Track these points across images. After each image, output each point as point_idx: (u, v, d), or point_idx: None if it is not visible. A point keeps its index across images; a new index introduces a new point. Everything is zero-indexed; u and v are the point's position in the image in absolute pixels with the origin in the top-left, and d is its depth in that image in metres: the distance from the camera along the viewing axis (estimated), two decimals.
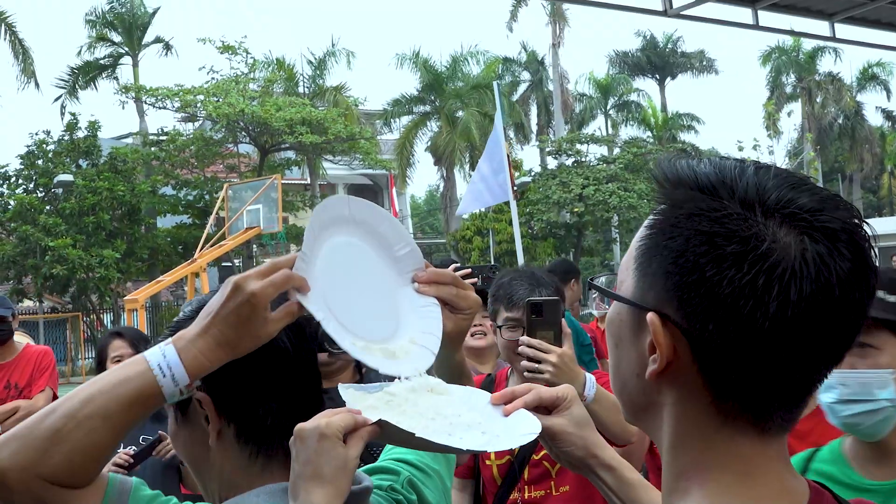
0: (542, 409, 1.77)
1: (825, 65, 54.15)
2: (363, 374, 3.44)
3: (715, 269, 1.14)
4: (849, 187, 60.99)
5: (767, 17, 11.48)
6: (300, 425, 1.63)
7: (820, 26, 12.58)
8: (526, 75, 55.57)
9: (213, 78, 36.81)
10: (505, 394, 1.78)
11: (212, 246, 28.85)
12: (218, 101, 34.80)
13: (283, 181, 31.48)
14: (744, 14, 12.26)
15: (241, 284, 1.66)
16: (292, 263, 1.71)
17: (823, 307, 1.14)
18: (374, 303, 1.89)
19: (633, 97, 57.92)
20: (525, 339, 3.37)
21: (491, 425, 1.75)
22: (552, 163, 43.31)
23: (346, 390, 1.77)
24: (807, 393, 1.22)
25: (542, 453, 3.77)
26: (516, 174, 39.26)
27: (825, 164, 56.76)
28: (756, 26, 11.40)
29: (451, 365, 2.03)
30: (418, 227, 57.01)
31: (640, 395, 1.29)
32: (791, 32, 20.30)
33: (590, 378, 3.40)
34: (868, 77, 55.60)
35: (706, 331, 1.16)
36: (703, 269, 1.15)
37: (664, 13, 10.82)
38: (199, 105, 35.73)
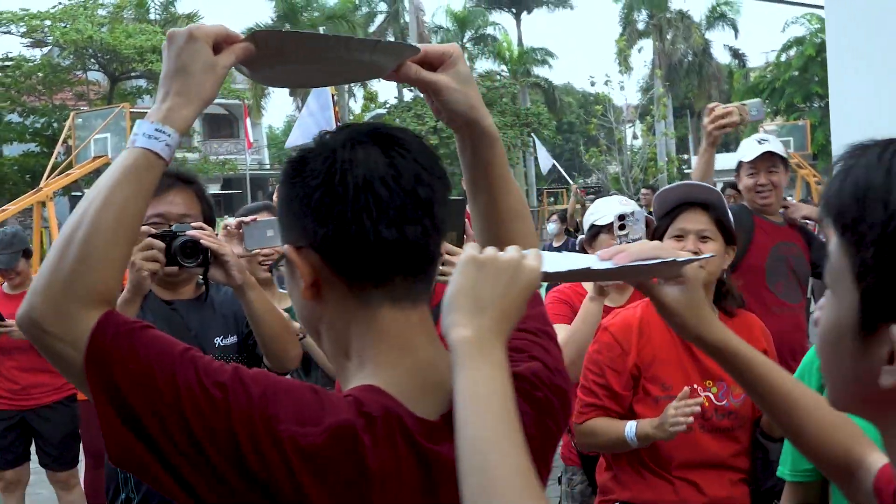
0: (427, 66, 1.75)
1: (675, 3, 55.17)
2: (207, 287, 3.58)
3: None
4: (697, 123, 62.44)
5: None
6: (172, 29, 1.64)
7: None
8: (383, 6, 55.31)
9: (60, 3, 35.78)
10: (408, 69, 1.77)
11: (59, 175, 28.27)
12: (66, 26, 33.90)
13: (133, 109, 30.88)
14: None
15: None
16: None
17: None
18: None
19: (490, 31, 58.13)
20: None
21: (378, 60, 1.73)
22: (408, 95, 43.40)
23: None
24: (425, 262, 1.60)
25: None
26: (371, 106, 39.40)
27: (675, 100, 58.01)
28: None
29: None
30: (275, 157, 56.49)
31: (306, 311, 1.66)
32: None
33: None
34: (717, 16, 56.80)
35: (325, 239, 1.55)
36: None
37: None
38: (46, 31, 34.73)
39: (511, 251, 1.51)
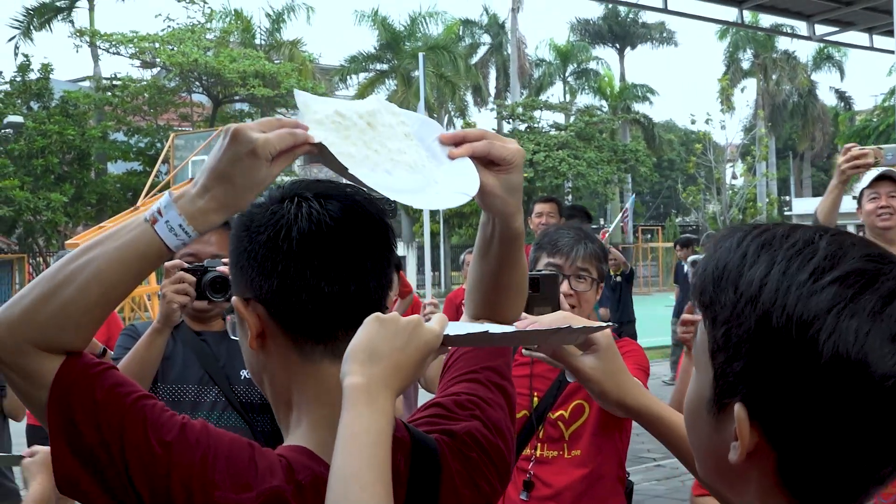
0: (487, 162, 1.74)
1: (782, 43, 54.55)
2: None
3: None
4: (800, 165, 61.73)
5: (676, 2, 11.90)
6: (238, 125, 1.58)
7: (729, 12, 13.08)
8: (486, 38, 55.63)
9: (168, 26, 36.71)
10: (457, 135, 1.76)
11: (157, 194, 28.91)
12: (173, 49, 34.73)
13: None
14: (730, 12, 12.83)
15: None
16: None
17: None
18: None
19: (593, 65, 58.13)
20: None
21: (432, 171, 1.71)
22: (506, 127, 43.54)
23: (301, 95, 1.70)
24: None
25: (557, 413, 3.81)
26: None
27: (778, 141, 57.37)
28: (665, 10, 11.83)
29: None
30: None
31: (252, 360, 1.73)
32: (774, 31, 20.84)
33: None
34: (823, 57, 56.13)
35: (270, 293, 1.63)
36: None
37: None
38: (153, 53, 35.62)
39: (415, 316, 1.55)
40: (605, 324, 1.78)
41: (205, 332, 3.62)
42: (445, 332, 1.56)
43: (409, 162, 1.70)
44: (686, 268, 16.80)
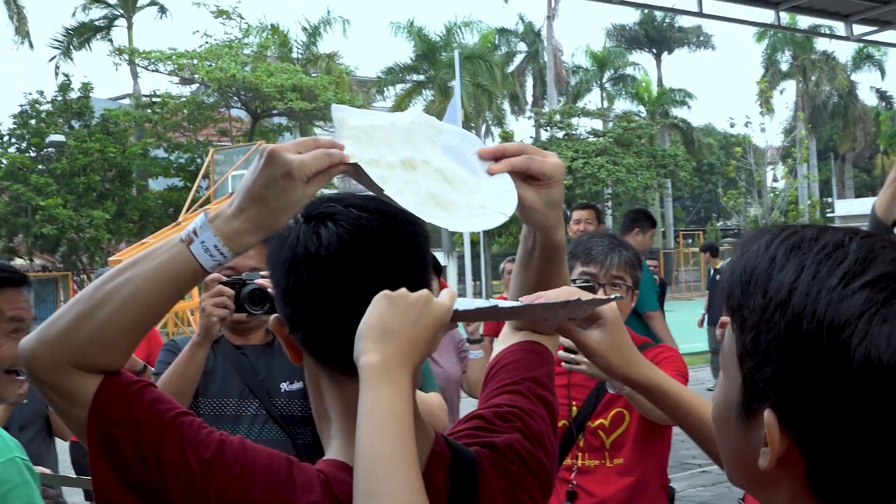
0: (527, 176, 1.73)
1: (821, 44, 54.16)
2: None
3: None
4: (841, 166, 61.17)
5: (712, 5, 11.84)
6: (273, 146, 1.57)
7: (766, 14, 13.00)
8: (522, 46, 55.60)
9: (206, 42, 37.01)
10: (496, 150, 1.75)
11: (196, 209, 29.12)
12: (211, 65, 35.00)
13: (270, 146, 31.65)
14: (766, 14, 12.77)
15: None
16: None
17: None
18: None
19: (630, 71, 57.96)
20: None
21: (468, 190, 1.71)
22: (544, 135, 43.50)
23: (338, 110, 1.68)
24: None
25: (597, 422, 3.80)
26: None
27: (819, 142, 56.93)
28: (700, 14, 11.77)
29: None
30: None
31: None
32: (811, 32, 20.79)
33: None
34: (863, 57, 55.64)
35: (295, 319, 1.66)
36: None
37: (609, 0, 11.14)
38: (192, 69, 35.90)
39: (424, 291, 1.55)
40: (612, 297, 1.79)
41: (244, 346, 3.64)
42: (455, 307, 1.55)
43: (445, 180, 1.69)
44: (711, 272, 16.71)
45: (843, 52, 55.03)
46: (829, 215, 52.48)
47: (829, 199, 60.50)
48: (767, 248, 1.22)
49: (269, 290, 3.35)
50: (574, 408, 3.81)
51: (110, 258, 26.12)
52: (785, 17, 16.53)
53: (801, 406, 1.15)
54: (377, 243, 1.62)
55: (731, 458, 1.29)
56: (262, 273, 3.41)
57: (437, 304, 1.53)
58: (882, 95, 59.55)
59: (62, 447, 5.56)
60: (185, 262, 1.57)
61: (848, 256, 1.17)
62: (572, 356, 3.32)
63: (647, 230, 8.55)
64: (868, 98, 60.08)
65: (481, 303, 1.65)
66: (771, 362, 1.17)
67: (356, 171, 1.61)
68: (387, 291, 1.52)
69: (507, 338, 2.01)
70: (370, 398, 1.44)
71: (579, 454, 3.81)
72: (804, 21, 19.52)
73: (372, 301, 1.52)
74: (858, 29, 13.49)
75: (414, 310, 1.50)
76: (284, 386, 3.54)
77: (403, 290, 1.52)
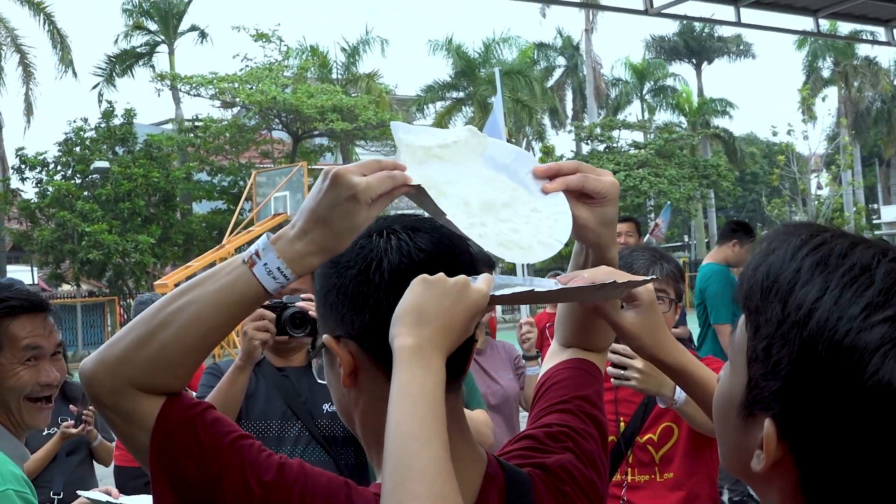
0: (582, 195, 1.74)
1: (863, 49, 53.71)
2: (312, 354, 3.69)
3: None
4: (886, 172, 60.57)
5: (750, 14, 11.75)
6: (338, 168, 1.56)
7: (805, 21, 12.90)
8: (561, 60, 55.60)
9: (246, 65, 37.32)
10: (550, 168, 1.75)
11: (241, 231, 29.32)
12: (251, 88, 35.28)
13: (317, 167, 31.85)
14: (805, 22, 12.68)
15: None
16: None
17: None
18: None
19: (670, 82, 57.76)
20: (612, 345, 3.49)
21: (524, 216, 1.70)
22: (585, 148, 43.44)
23: (398, 129, 1.70)
24: None
25: (646, 437, 3.81)
26: (548, 160, 39.52)
27: (863, 149, 56.40)
28: (738, 23, 11.70)
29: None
30: None
31: (343, 399, 1.71)
32: (851, 38, 20.67)
33: None
34: None
35: (363, 328, 1.63)
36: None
37: (645, 12, 11.11)
38: (233, 93, 36.21)
39: (461, 276, 1.56)
40: (648, 278, 1.76)
41: (286, 368, 3.66)
42: (492, 292, 1.56)
43: (503, 202, 1.70)
44: None
45: (886, 56, 54.55)
46: (875, 221, 52.03)
47: (875, 206, 59.95)
48: (794, 257, 1.21)
49: (311, 312, 3.37)
50: (622, 423, 3.79)
51: (156, 282, 26.34)
52: (825, 24, 16.43)
53: (803, 423, 1.17)
54: (456, 254, 1.66)
55: (726, 449, 1.31)
56: (302, 296, 3.42)
57: (473, 290, 1.53)
58: None
59: (103, 472, 5.59)
60: (248, 284, 1.56)
61: (874, 284, 1.17)
62: (621, 371, 3.32)
63: (745, 243, 8.59)
64: None
65: (518, 287, 1.63)
66: (780, 377, 1.18)
67: (418, 193, 1.62)
68: (425, 276, 1.53)
69: (555, 354, 2.01)
70: (403, 377, 1.45)
71: (629, 470, 3.80)
72: (844, 27, 19.38)
73: (410, 284, 1.52)
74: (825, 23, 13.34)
75: (451, 294, 1.51)
76: (327, 407, 3.55)
77: (441, 274, 1.53)
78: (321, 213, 1.54)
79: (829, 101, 56.11)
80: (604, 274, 1.68)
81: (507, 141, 11.20)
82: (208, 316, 1.55)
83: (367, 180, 1.54)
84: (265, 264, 1.56)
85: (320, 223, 1.54)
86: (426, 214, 1.69)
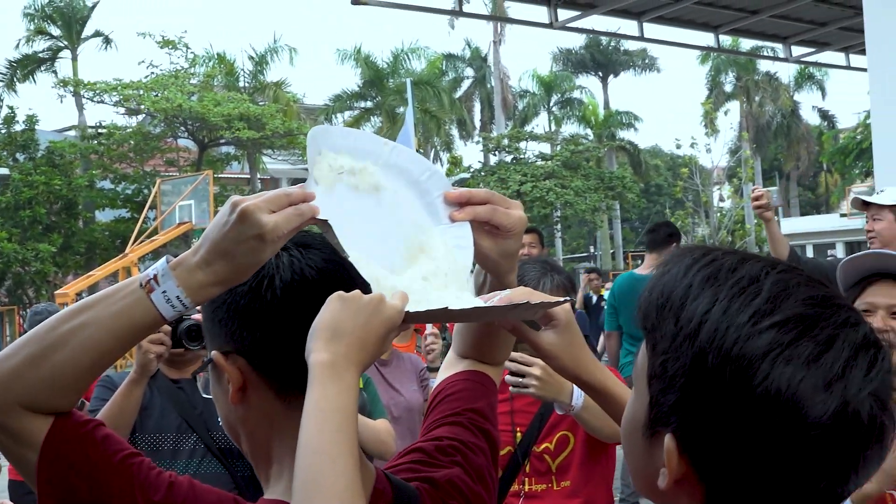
0: (487, 225, 1.73)
1: (764, 65, 54.82)
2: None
3: None
4: (786, 185, 61.87)
5: (653, 29, 11.98)
6: (248, 203, 1.52)
7: (706, 37, 13.19)
8: (469, 72, 55.80)
9: (152, 73, 36.87)
10: (461, 195, 1.74)
11: (144, 240, 28.97)
12: (157, 95, 34.86)
13: (224, 175, 31.61)
14: (707, 37, 12.93)
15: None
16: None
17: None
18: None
19: (577, 94, 58.31)
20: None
21: (432, 260, 1.69)
22: (493, 159, 43.63)
23: (314, 139, 1.66)
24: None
25: (542, 446, 3.81)
26: (455, 170, 39.67)
27: (764, 162, 57.52)
28: (642, 38, 11.92)
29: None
30: None
31: (231, 415, 1.70)
32: (751, 55, 21.10)
33: (576, 388, 3.33)
34: (804, 77, 56.36)
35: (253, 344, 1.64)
36: None
37: (550, 25, 11.23)
38: (137, 100, 35.74)
39: (377, 293, 1.56)
40: (564, 298, 1.78)
41: (181, 380, 3.63)
42: (407, 309, 1.56)
43: (405, 239, 1.69)
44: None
45: (786, 72, 55.74)
46: None
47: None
48: (685, 274, 1.23)
49: None
50: (518, 433, 3.81)
51: (57, 291, 25.90)
52: (727, 40, 16.76)
53: (700, 434, 1.18)
54: (348, 273, 1.63)
55: (635, 472, 1.33)
56: (198, 308, 3.39)
57: (389, 306, 1.53)
58: (824, 115, 60.33)
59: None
60: (146, 310, 1.53)
61: (761, 293, 1.19)
62: (519, 379, 3.32)
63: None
64: (811, 117, 60.93)
65: (432, 304, 1.63)
66: (676, 390, 1.20)
67: (324, 227, 1.61)
68: (340, 293, 1.52)
69: (451, 365, 2.00)
70: (316, 393, 1.44)
71: (526, 479, 3.81)
72: (746, 43, 19.81)
73: (326, 301, 1.51)
74: (797, 50, 13.72)
75: (366, 311, 1.50)
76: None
77: (357, 291, 1.53)
78: (225, 246, 1.52)
79: (731, 115, 57.25)
80: (519, 294, 1.68)
81: (416, 151, 11.29)
82: (103, 340, 1.52)
83: (275, 220, 1.52)
84: (164, 291, 1.52)
85: (223, 256, 1.52)
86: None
